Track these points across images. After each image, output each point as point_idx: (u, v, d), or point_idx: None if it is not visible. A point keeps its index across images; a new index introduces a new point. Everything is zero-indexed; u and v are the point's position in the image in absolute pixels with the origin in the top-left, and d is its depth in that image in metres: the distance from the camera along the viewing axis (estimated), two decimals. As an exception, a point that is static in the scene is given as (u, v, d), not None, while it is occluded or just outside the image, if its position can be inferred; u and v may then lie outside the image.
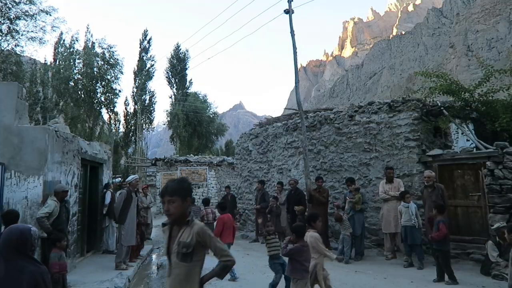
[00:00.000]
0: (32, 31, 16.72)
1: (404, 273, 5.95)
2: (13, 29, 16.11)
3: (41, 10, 16.83)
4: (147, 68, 35.04)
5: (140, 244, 8.02)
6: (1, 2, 15.37)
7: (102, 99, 27.76)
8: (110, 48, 26.96)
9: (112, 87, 27.11)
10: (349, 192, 7.50)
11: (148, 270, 7.68)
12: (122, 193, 7.09)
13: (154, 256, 9.06)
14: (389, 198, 6.95)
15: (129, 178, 7.60)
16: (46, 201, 5.43)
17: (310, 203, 8.07)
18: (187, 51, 38.05)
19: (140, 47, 35.53)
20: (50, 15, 17.39)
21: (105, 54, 26.71)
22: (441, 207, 5.60)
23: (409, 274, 5.90)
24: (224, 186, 11.68)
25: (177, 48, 37.84)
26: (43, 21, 17.12)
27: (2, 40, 16.00)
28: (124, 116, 34.36)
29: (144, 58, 35.20)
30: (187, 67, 37.53)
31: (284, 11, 9.89)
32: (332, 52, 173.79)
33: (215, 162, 20.78)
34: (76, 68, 26.55)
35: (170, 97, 36.33)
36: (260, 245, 9.38)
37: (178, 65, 37.09)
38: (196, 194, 19.69)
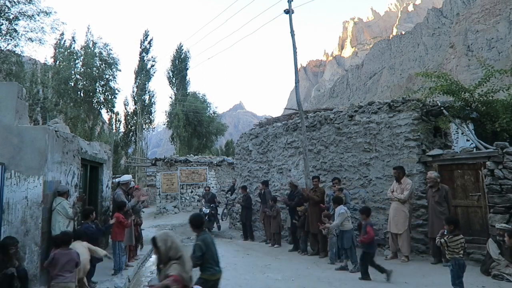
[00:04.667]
0: (31, 31, 16.70)
1: (404, 273, 5.95)
2: (13, 29, 16.09)
3: (40, 10, 16.80)
4: (147, 68, 35.06)
5: (137, 244, 8.01)
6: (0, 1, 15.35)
7: (102, 99, 27.72)
8: (106, 46, 26.95)
9: (111, 86, 27.08)
10: (333, 193, 7.55)
11: (148, 270, 7.68)
12: (119, 194, 7.07)
13: (154, 256, 9.05)
14: (393, 198, 6.94)
15: (123, 178, 7.57)
16: (56, 202, 5.60)
17: (305, 202, 8.08)
18: (188, 51, 38.14)
19: (140, 48, 35.57)
20: (49, 16, 17.35)
21: (102, 53, 26.69)
22: (367, 210, 5.86)
23: (408, 273, 5.90)
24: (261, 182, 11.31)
25: (180, 48, 37.86)
26: (42, 22, 17.08)
27: (2, 40, 15.99)
28: (124, 116, 34.37)
29: (145, 58, 35.22)
30: (188, 67, 37.56)
31: (284, 11, 9.90)
32: (332, 52, 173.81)
33: (215, 162, 20.76)
34: (76, 68, 26.50)
35: (171, 97, 36.34)
36: (260, 245, 9.39)
37: (179, 65, 37.10)
38: (196, 194, 19.70)
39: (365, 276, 5.63)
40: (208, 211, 11.04)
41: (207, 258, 3.61)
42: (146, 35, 35.94)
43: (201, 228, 3.84)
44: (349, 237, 6.45)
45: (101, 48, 26.80)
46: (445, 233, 4.66)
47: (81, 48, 27.38)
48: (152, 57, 35.55)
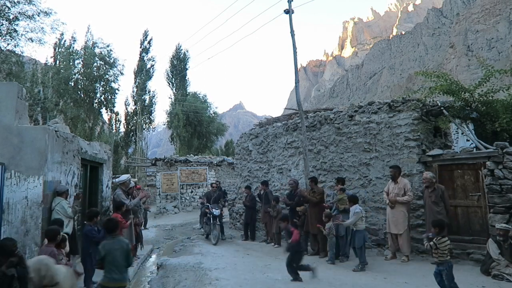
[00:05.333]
0: (31, 32, 16.70)
1: (404, 273, 5.96)
2: (13, 29, 16.08)
3: (40, 10, 16.80)
4: (147, 68, 35.09)
5: (136, 245, 8.00)
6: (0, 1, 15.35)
7: (102, 99, 27.75)
8: (107, 47, 26.97)
9: (111, 86, 27.11)
10: (335, 193, 7.56)
11: (148, 270, 7.68)
12: (118, 194, 7.07)
13: (154, 256, 9.06)
14: (393, 201, 6.94)
15: (121, 178, 7.57)
16: (55, 202, 5.57)
17: (305, 203, 8.08)
18: (187, 51, 38.18)
19: (140, 47, 35.63)
20: (49, 16, 17.35)
21: (103, 54, 26.71)
22: (287, 218, 6.08)
23: (408, 273, 5.90)
24: (260, 182, 10.31)
25: (178, 48, 37.98)
26: (42, 22, 17.09)
27: (2, 41, 15.99)
28: (125, 116, 34.40)
29: (145, 58, 35.29)
30: (187, 67, 37.62)
31: (284, 11, 9.90)
32: (332, 52, 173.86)
33: (215, 162, 20.77)
34: (76, 68, 26.53)
35: (170, 97, 36.41)
36: (260, 245, 9.38)
37: (178, 66, 37.17)
38: (196, 194, 19.71)
39: (297, 277, 5.52)
40: (218, 213, 9.72)
41: (107, 263, 3.67)
42: (145, 35, 36.04)
43: (112, 233, 3.88)
44: (361, 237, 6.50)
45: (102, 49, 26.86)
46: (431, 235, 4.61)
47: (81, 48, 27.41)
48: (151, 57, 35.69)
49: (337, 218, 7.13)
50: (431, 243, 4.53)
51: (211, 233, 9.82)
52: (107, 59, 26.47)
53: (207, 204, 10.46)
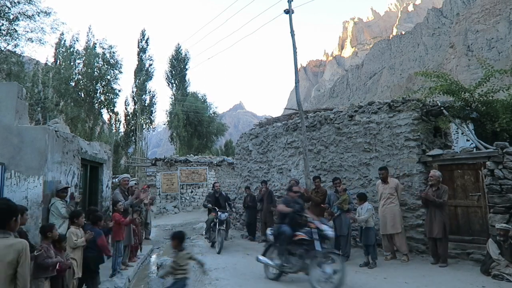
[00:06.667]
0: (31, 32, 16.70)
1: (404, 273, 5.96)
2: (13, 29, 16.09)
3: (40, 10, 16.80)
4: (146, 68, 35.07)
5: (138, 245, 7.99)
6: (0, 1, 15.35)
7: (102, 99, 27.77)
8: (111, 48, 26.98)
9: (112, 87, 27.14)
10: (335, 193, 7.52)
11: (148, 270, 7.68)
12: (116, 193, 7.06)
13: (154, 256, 9.05)
14: (385, 198, 6.95)
15: (119, 178, 7.60)
16: (51, 203, 5.54)
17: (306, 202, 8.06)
18: (187, 51, 38.21)
19: (138, 47, 35.54)
20: (49, 16, 17.35)
21: (105, 55, 26.73)
22: (97, 218, 5.50)
23: (408, 273, 5.90)
24: (260, 182, 9.97)
25: (178, 48, 37.99)
26: (42, 22, 17.09)
27: (2, 41, 15.99)
28: (125, 116, 34.40)
29: (143, 58, 35.21)
30: (187, 67, 37.66)
31: (284, 11, 9.91)
32: (332, 52, 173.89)
33: (215, 162, 20.77)
34: (77, 69, 26.56)
35: (171, 97, 36.43)
36: (260, 245, 9.38)
37: (178, 66, 37.19)
38: (196, 194, 19.72)
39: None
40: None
41: None
42: (143, 34, 35.93)
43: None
44: (372, 234, 6.55)
45: (105, 50, 26.87)
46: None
47: (83, 49, 27.43)
48: (149, 56, 35.56)
49: (348, 215, 7.11)
50: (172, 263, 3.90)
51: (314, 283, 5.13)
52: (111, 60, 26.52)
53: (308, 215, 5.81)
